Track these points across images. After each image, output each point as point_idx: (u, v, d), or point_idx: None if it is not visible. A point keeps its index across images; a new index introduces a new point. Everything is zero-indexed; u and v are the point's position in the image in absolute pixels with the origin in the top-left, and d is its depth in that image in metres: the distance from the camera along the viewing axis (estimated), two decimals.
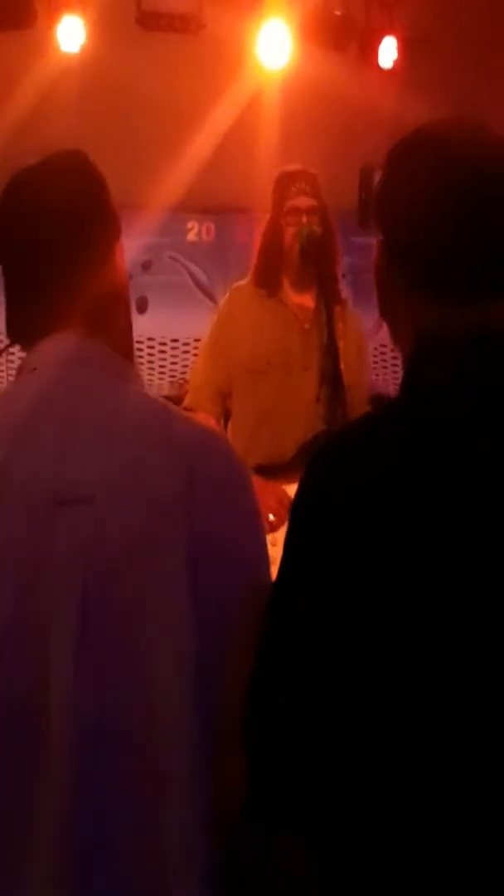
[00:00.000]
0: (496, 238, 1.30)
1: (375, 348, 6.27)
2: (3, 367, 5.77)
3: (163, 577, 1.38)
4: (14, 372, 1.55)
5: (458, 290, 1.31)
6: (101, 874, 1.34)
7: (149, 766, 1.35)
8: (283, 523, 3.43)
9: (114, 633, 1.36)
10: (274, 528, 3.39)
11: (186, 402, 3.68)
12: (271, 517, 3.41)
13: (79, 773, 1.33)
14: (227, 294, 3.89)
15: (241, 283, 3.84)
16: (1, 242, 1.55)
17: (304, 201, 3.59)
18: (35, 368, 1.51)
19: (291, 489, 3.52)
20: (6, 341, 1.60)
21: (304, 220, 3.56)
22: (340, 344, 3.42)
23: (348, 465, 1.30)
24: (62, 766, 1.33)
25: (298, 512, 1.34)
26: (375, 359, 6.50)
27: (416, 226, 1.33)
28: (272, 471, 3.50)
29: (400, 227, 1.36)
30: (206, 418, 3.50)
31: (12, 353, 1.65)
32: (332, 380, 3.35)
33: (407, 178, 1.35)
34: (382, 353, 6.56)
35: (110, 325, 1.55)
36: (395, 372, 6.73)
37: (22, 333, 1.56)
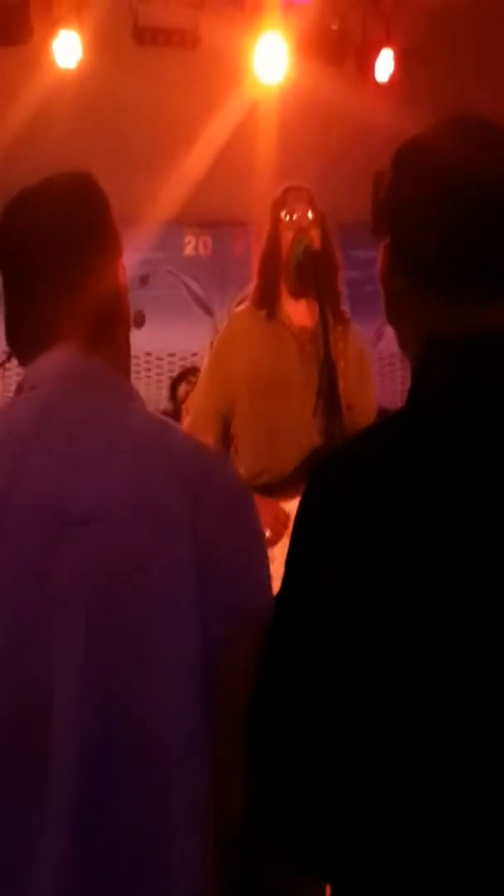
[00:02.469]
0: (499, 238, 1.30)
1: (374, 361, 6.26)
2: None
3: (169, 598, 1.37)
4: (9, 381, 1.55)
5: (463, 291, 1.31)
6: (104, 884, 1.32)
7: (154, 782, 1.34)
8: (279, 539, 3.41)
9: (119, 652, 1.35)
10: (271, 544, 3.37)
11: (186, 426, 3.67)
12: (268, 533, 3.39)
13: (82, 789, 1.32)
14: (227, 321, 3.90)
15: (241, 307, 3.84)
16: (1, 255, 1.55)
17: (301, 208, 3.59)
18: (35, 386, 1.50)
19: (287, 505, 3.52)
20: (3, 355, 1.60)
21: (303, 224, 3.56)
22: (340, 363, 3.40)
23: (352, 474, 1.29)
24: (66, 783, 1.31)
25: (302, 522, 1.33)
26: (374, 371, 6.49)
27: (420, 227, 1.32)
28: (270, 488, 3.49)
29: (404, 228, 1.36)
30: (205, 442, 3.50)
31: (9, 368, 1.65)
32: (328, 393, 3.34)
33: (411, 179, 1.35)
34: (381, 366, 6.56)
35: (109, 342, 1.54)
36: (394, 383, 6.73)
37: (21, 347, 1.55)
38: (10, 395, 1.57)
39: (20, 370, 1.55)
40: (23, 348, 1.55)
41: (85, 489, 1.39)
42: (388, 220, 1.39)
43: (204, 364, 3.92)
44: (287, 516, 3.48)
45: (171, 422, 1.54)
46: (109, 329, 1.55)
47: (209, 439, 3.56)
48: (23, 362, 1.55)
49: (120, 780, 1.33)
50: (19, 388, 1.52)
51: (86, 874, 1.31)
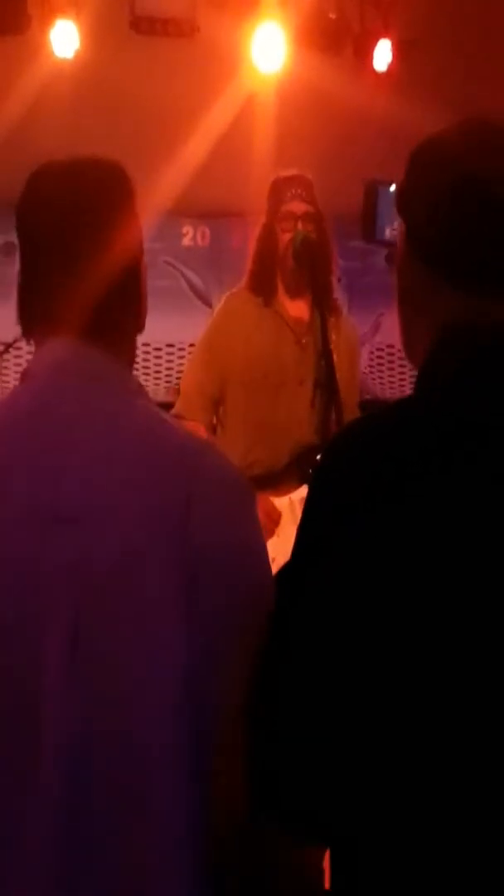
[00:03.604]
0: None
1: (372, 352, 6.27)
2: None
3: (155, 596, 1.36)
4: (6, 373, 1.54)
5: (476, 285, 1.32)
6: (87, 885, 1.33)
7: (137, 782, 1.34)
8: (270, 536, 3.40)
9: (104, 651, 1.35)
10: None
11: (176, 408, 3.63)
12: None
13: (68, 787, 1.32)
14: (223, 300, 3.86)
15: (237, 290, 3.81)
16: (18, 233, 1.54)
17: (299, 206, 3.57)
18: (36, 376, 1.50)
19: (279, 501, 3.51)
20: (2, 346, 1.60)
21: (300, 226, 3.55)
22: (334, 355, 3.40)
23: (361, 458, 1.30)
24: (52, 780, 1.32)
25: (311, 503, 1.34)
26: (372, 362, 6.50)
27: (435, 222, 1.33)
28: (260, 480, 3.48)
29: (420, 222, 1.37)
30: (196, 427, 3.48)
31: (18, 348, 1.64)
32: (326, 388, 3.34)
33: (427, 175, 1.36)
34: (379, 357, 6.56)
35: (114, 332, 1.52)
36: (392, 375, 6.73)
37: (30, 329, 1.54)
38: (8, 385, 1.56)
39: (18, 362, 1.55)
40: (31, 331, 1.54)
41: (76, 487, 1.39)
42: (407, 214, 1.39)
43: (197, 344, 3.87)
44: (278, 513, 3.47)
45: (169, 417, 1.52)
46: (114, 319, 1.52)
47: (200, 422, 3.55)
48: (30, 338, 1.54)
49: (105, 777, 1.33)
50: (23, 376, 1.52)
51: (67, 880, 1.32)
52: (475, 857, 1.20)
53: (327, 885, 1.34)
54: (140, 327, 1.59)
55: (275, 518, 3.46)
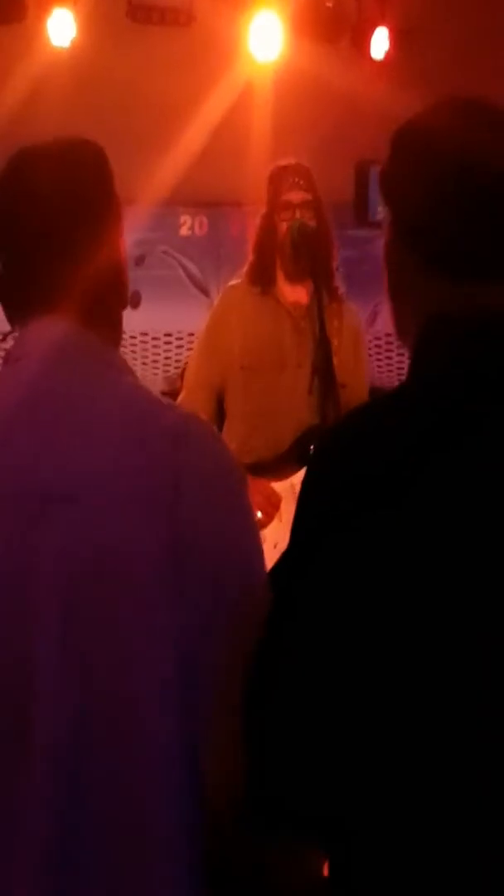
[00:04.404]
0: (500, 218, 1.30)
1: (370, 341, 6.25)
2: None
3: (144, 577, 1.36)
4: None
5: (464, 271, 1.31)
6: (84, 871, 1.33)
7: (132, 765, 1.34)
8: (270, 521, 3.42)
9: (96, 633, 1.35)
10: (262, 525, 3.37)
11: (179, 401, 3.66)
12: (259, 515, 3.39)
13: (63, 771, 1.32)
14: (221, 294, 3.88)
15: (235, 282, 3.84)
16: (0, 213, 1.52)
17: (297, 195, 3.58)
18: (21, 357, 1.48)
19: (279, 486, 3.52)
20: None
21: (298, 214, 3.56)
22: (335, 341, 3.41)
23: (353, 454, 1.29)
24: (46, 764, 1.32)
25: (304, 503, 1.32)
26: (370, 351, 6.49)
27: (421, 206, 1.32)
28: (262, 466, 3.49)
29: (405, 207, 1.35)
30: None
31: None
32: (324, 373, 3.34)
33: (411, 158, 1.35)
34: (377, 346, 6.55)
35: (105, 317, 1.52)
36: (390, 364, 6.73)
37: (12, 308, 1.53)
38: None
39: None
40: (13, 310, 1.52)
41: (64, 468, 1.38)
42: (393, 200, 1.38)
43: (197, 338, 3.90)
44: (279, 497, 3.48)
45: (160, 396, 1.52)
46: (106, 304, 1.52)
47: (202, 415, 3.56)
48: (13, 324, 1.53)
49: (99, 760, 1.34)
50: (6, 360, 1.50)
51: (63, 862, 1.32)
52: (474, 863, 1.20)
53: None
54: (124, 305, 1.57)
55: (274, 502, 3.48)
